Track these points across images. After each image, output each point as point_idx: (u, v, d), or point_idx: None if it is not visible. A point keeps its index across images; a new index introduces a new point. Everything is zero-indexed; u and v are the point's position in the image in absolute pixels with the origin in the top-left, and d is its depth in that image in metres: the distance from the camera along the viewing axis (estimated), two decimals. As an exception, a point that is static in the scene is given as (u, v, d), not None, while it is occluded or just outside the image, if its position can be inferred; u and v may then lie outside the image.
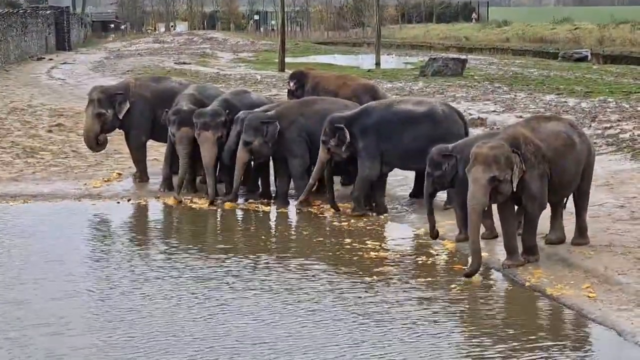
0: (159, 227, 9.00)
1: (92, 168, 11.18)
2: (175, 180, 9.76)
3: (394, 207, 9.26)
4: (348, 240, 8.03)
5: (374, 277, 6.96)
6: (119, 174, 10.73)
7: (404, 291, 6.65)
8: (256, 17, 63.18)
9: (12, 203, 9.59)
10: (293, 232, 8.74)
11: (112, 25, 55.85)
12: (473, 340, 5.71)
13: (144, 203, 9.70)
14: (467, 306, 6.34)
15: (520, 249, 7.05)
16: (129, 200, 9.77)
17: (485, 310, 6.28)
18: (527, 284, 6.69)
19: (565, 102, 15.83)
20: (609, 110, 14.39)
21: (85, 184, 10.33)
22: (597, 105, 15.10)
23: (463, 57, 25.91)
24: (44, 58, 31.20)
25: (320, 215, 9.09)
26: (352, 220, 8.76)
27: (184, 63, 27.72)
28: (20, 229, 8.58)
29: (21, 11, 32.45)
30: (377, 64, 28.14)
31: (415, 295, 6.54)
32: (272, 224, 9.03)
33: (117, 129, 10.61)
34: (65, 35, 37.35)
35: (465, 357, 5.51)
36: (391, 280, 6.90)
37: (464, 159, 7.13)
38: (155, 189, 10.10)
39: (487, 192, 6.71)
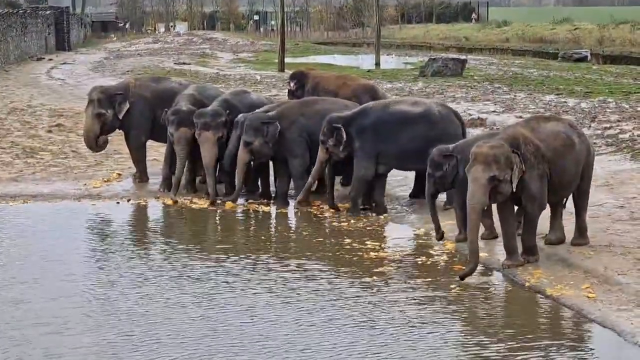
0: (158, 227, 9.00)
1: (92, 168, 11.18)
2: (176, 180, 9.77)
3: (394, 207, 9.26)
4: (348, 241, 8.04)
5: (374, 277, 6.96)
6: (119, 174, 10.73)
7: (404, 291, 6.65)
8: (256, 17, 63.15)
9: (12, 203, 9.59)
10: (293, 233, 8.74)
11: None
12: (473, 341, 5.71)
13: (144, 203, 9.70)
14: (466, 306, 6.33)
15: (520, 249, 7.05)
16: (128, 201, 9.77)
17: (485, 310, 6.28)
18: (527, 284, 6.69)
19: (565, 102, 15.83)
20: (608, 110, 14.40)
21: (85, 184, 10.33)
22: (596, 105, 15.10)
23: (463, 57, 25.90)
24: (43, 58, 31.19)
25: (320, 215, 9.09)
26: (352, 221, 8.77)
27: (184, 63, 27.72)
28: (20, 229, 8.58)
29: (21, 11, 32.44)
30: (377, 64, 28.14)
31: (415, 296, 6.54)
32: (272, 224, 9.03)
33: (117, 129, 10.61)
34: (65, 35, 37.34)
35: (465, 357, 5.51)
36: (391, 281, 6.90)
37: (465, 159, 7.13)
38: (155, 189, 10.10)
39: (486, 192, 6.71)
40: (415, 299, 6.46)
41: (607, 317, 5.93)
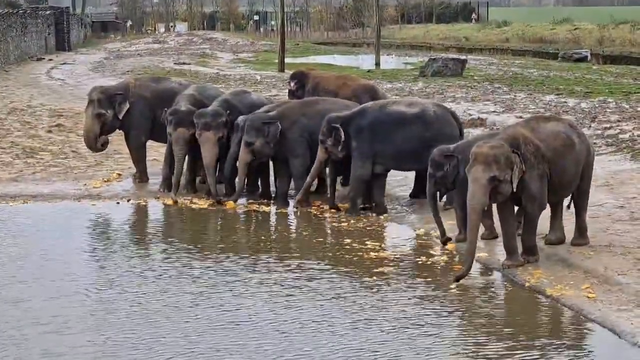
0: (158, 227, 9.00)
1: (92, 168, 11.18)
2: (176, 181, 9.78)
3: (394, 207, 9.26)
4: (348, 241, 8.04)
5: (374, 277, 6.96)
6: (119, 175, 10.74)
7: (403, 291, 6.65)
8: (256, 17, 63.15)
9: (12, 203, 9.59)
10: (293, 233, 8.74)
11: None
12: (472, 341, 5.71)
13: (144, 203, 9.70)
14: (467, 307, 6.33)
15: (519, 249, 7.05)
16: (128, 201, 9.77)
17: (485, 310, 6.28)
18: (527, 284, 6.68)
19: (565, 102, 15.83)
20: (608, 110, 14.39)
21: (85, 184, 10.33)
22: (596, 105, 15.10)
23: (463, 57, 25.89)
24: (43, 58, 31.20)
25: (320, 215, 9.09)
26: (352, 221, 8.77)
27: (184, 63, 27.72)
28: (20, 229, 8.58)
29: (21, 11, 32.44)
30: (377, 64, 28.13)
31: (415, 296, 6.54)
32: (272, 224, 9.03)
33: (117, 129, 10.61)
34: (65, 35, 37.35)
35: (465, 357, 5.51)
36: (391, 281, 6.90)
37: (466, 160, 7.13)
38: (155, 190, 10.10)
39: (487, 192, 6.70)
40: (415, 299, 6.46)
41: (607, 317, 5.92)
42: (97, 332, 5.85)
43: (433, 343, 5.66)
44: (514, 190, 6.78)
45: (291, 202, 9.40)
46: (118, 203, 9.70)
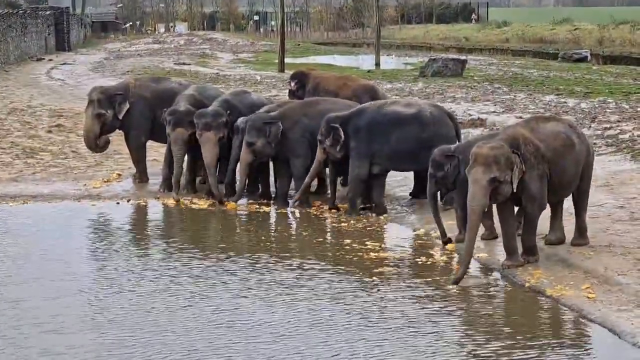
0: (158, 227, 9.00)
1: (92, 169, 11.18)
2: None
3: (394, 207, 9.26)
4: (348, 241, 8.03)
5: (374, 277, 6.96)
6: (119, 175, 10.74)
7: (403, 291, 6.65)
8: (256, 17, 63.16)
9: (12, 203, 9.59)
10: (293, 233, 8.74)
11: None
12: (472, 341, 5.71)
13: (144, 204, 9.71)
14: (466, 307, 6.33)
15: (519, 250, 7.05)
16: (128, 201, 9.77)
17: (484, 311, 6.28)
18: (527, 284, 6.68)
19: (565, 102, 15.82)
20: (608, 110, 14.39)
21: (85, 184, 10.33)
22: (596, 105, 15.10)
23: (463, 57, 25.89)
24: (43, 59, 31.20)
25: (320, 216, 9.09)
26: (352, 221, 8.77)
27: (184, 64, 27.72)
28: (20, 229, 8.58)
29: (21, 12, 32.45)
30: (377, 64, 28.13)
31: (414, 296, 6.54)
32: (272, 224, 9.03)
33: (117, 130, 10.61)
34: (65, 35, 37.35)
35: (464, 357, 5.51)
36: (390, 281, 6.90)
37: (466, 160, 7.13)
38: (155, 190, 10.11)
39: (487, 193, 6.70)
40: (414, 299, 6.46)
41: (607, 317, 5.92)
42: (96, 331, 5.85)
43: (432, 343, 5.66)
44: (514, 190, 6.78)
45: (291, 203, 9.39)
46: (118, 203, 9.70)
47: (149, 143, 10.62)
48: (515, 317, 6.18)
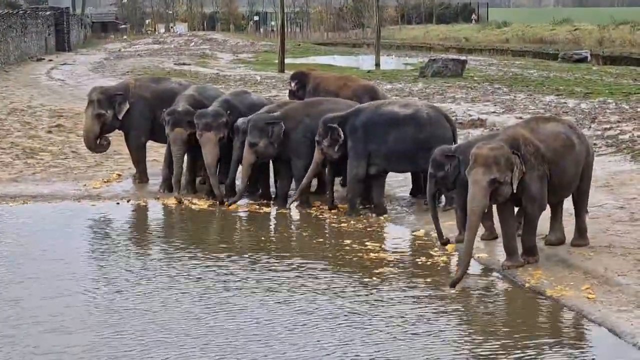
0: (158, 227, 9.00)
1: (92, 169, 11.18)
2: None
3: (394, 208, 9.26)
4: (348, 242, 8.03)
5: (373, 277, 6.96)
6: (119, 175, 10.74)
7: (402, 291, 6.65)
8: (256, 18, 63.17)
9: (12, 204, 9.59)
10: (293, 233, 8.74)
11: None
12: (472, 341, 5.71)
13: (144, 204, 9.71)
14: (466, 308, 6.33)
15: (519, 250, 7.05)
16: (128, 201, 9.77)
17: (484, 311, 6.28)
18: (527, 285, 6.68)
19: (565, 103, 15.82)
20: (608, 111, 14.39)
21: (85, 184, 10.33)
22: (596, 106, 15.10)
23: (463, 58, 25.91)
24: (43, 59, 31.20)
25: (320, 216, 9.09)
26: (352, 222, 8.77)
27: (184, 64, 27.73)
28: (20, 229, 8.58)
29: (21, 12, 32.45)
30: (377, 64, 28.13)
31: (414, 296, 6.54)
32: (272, 225, 9.03)
33: (117, 130, 10.61)
34: (65, 36, 37.36)
35: (464, 357, 5.51)
36: (390, 281, 6.90)
37: (467, 160, 7.13)
38: (155, 190, 10.11)
39: (487, 194, 6.70)
40: (415, 300, 6.46)
41: (607, 318, 5.92)
42: (95, 331, 5.86)
43: (432, 343, 5.66)
44: (514, 191, 6.78)
45: (288, 204, 9.38)
46: (118, 203, 9.70)
47: (149, 143, 10.62)
48: (515, 317, 6.17)
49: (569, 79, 21.26)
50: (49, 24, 35.81)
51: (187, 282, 6.91)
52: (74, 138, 13.08)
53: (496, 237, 7.60)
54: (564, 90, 18.08)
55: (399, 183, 9.94)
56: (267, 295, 6.57)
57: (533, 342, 5.66)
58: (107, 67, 27.09)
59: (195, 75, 23.24)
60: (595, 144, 11.06)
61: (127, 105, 10.29)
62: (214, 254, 7.68)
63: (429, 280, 6.92)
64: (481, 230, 7.37)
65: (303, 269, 7.24)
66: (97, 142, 10.48)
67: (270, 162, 9.60)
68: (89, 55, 34.00)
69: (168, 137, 9.72)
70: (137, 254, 7.77)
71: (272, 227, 8.95)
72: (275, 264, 7.39)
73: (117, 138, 11.29)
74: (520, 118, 12.89)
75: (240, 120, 9.38)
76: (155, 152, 11.08)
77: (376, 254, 7.62)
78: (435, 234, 7.83)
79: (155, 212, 9.49)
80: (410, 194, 9.62)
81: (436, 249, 7.77)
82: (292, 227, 8.97)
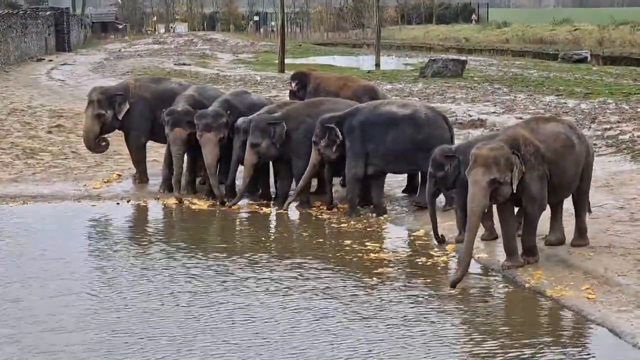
0: (158, 228, 9.00)
1: (92, 169, 11.18)
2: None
3: (394, 208, 9.26)
4: (348, 242, 8.03)
5: (373, 278, 6.96)
6: (119, 175, 10.74)
7: (402, 291, 6.65)
8: (256, 18, 63.22)
9: (12, 204, 9.59)
10: (293, 234, 8.74)
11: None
12: (472, 342, 5.71)
13: (144, 204, 9.71)
14: (466, 308, 6.33)
15: (519, 250, 7.05)
16: (128, 202, 9.77)
17: (484, 311, 6.28)
18: (527, 285, 6.68)
19: (565, 103, 15.82)
20: (608, 111, 14.39)
21: (85, 185, 10.33)
22: (596, 106, 15.10)
23: (463, 58, 25.93)
24: (43, 59, 31.20)
25: (320, 216, 9.09)
26: (352, 222, 8.77)
27: (184, 64, 27.74)
28: (20, 229, 8.58)
29: (21, 12, 32.46)
30: (377, 65, 28.14)
31: (414, 296, 6.54)
32: (272, 225, 9.03)
33: (117, 130, 10.61)
34: (65, 36, 37.37)
35: (463, 357, 5.51)
36: (390, 281, 6.90)
37: (467, 161, 7.13)
38: (155, 190, 10.11)
39: (487, 195, 6.70)
40: (415, 300, 6.46)
41: (607, 318, 5.92)
42: (95, 330, 5.86)
43: (432, 344, 5.66)
44: (514, 191, 6.78)
45: (285, 205, 9.37)
46: (118, 204, 9.70)
47: (149, 143, 10.62)
48: (515, 317, 6.18)
49: (569, 79, 21.27)
50: (49, 24, 35.81)
51: (186, 282, 6.90)
52: (74, 138, 13.08)
53: (496, 238, 7.60)
54: (564, 90, 18.08)
55: (399, 183, 9.94)
56: (267, 296, 6.56)
57: (533, 342, 5.66)
58: (107, 67, 27.10)
59: (195, 75, 23.24)
60: (595, 144, 11.06)
61: (127, 106, 10.29)
62: (214, 254, 7.68)
63: (428, 280, 6.92)
64: (481, 230, 7.37)
65: (303, 269, 7.24)
66: (96, 143, 10.48)
67: (270, 162, 9.60)
68: (89, 55, 34.01)
69: (168, 137, 9.72)
70: (137, 254, 7.76)
71: (272, 228, 8.94)
72: (275, 264, 7.38)
73: (117, 138, 11.29)
74: (520, 118, 12.90)
75: (240, 120, 9.37)
76: (155, 153, 11.08)
77: (376, 254, 7.61)
78: (442, 238, 7.82)
79: (156, 212, 9.49)
80: (404, 191, 9.64)
81: (436, 249, 7.78)
82: (292, 227, 8.97)
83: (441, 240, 7.75)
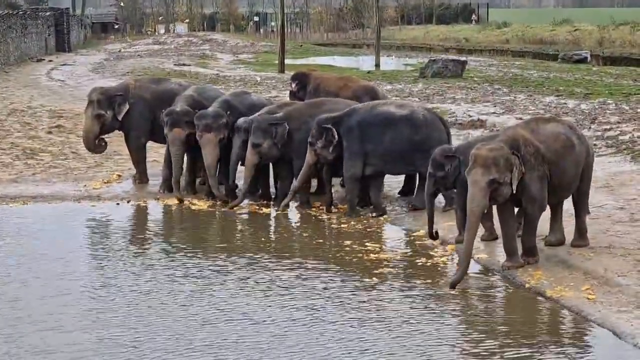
0: (158, 228, 9.00)
1: (92, 169, 11.18)
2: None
3: (394, 209, 9.26)
4: (348, 242, 8.04)
5: (373, 278, 6.96)
6: (119, 176, 10.74)
7: (402, 292, 6.65)
8: (256, 18, 63.19)
9: (12, 204, 9.59)
10: (292, 234, 8.74)
11: (116, 26, 55.96)
12: (472, 342, 5.71)
13: (144, 204, 9.71)
14: (466, 308, 6.33)
15: (519, 251, 7.05)
16: (128, 202, 9.78)
17: (484, 312, 6.28)
18: (527, 285, 6.68)
19: (565, 103, 15.82)
20: (608, 111, 14.39)
21: (85, 185, 10.33)
22: (596, 106, 15.10)
23: (463, 58, 25.93)
24: (43, 59, 31.19)
25: (320, 217, 9.09)
26: (352, 222, 8.77)
27: (184, 64, 27.73)
28: (20, 229, 8.58)
29: (21, 12, 32.46)
30: (377, 65, 28.13)
31: (414, 297, 6.54)
32: (272, 225, 9.03)
33: (117, 130, 10.62)
34: (65, 36, 37.35)
35: (462, 356, 5.51)
36: (390, 282, 6.90)
37: (467, 161, 7.13)
38: (155, 191, 10.11)
39: (486, 195, 6.70)
40: (414, 300, 6.46)
41: (607, 318, 5.93)
42: (94, 330, 5.86)
43: (432, 344, 5.66)
44: (514, 192, 6.78)
45: (292, 204, 9.38)
46: (118, 204, 9.70)
47: (149, 144, 10.63)
48: (515, 318, 6.18)
49: (569, 79, 21.27)
50: (49, 25, 35.80)
51: (186, 281, 6.91)
52: (74, 139, 13.08)
53: (496, 238, 7.60)
54: (564, 90, 18.09)
55: (399, 184, 9.94)
56: (266, 296, 6.56)
57: (533, 343, 5.66)
58: (107, 67, 27.09)
59: (195, 75, 23.24)
60: (595, 145, 11.06)
61: (127, 106, 10.29)
62: (214, 254, 7.68)
63: (428, 280, 6.92)
64: (481, 230, 7.37)
65: (303, 269, 7.24)
66: (96, 143, 10.48)
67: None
68: (89, 55, 34.00)
69: (167, 138, 9.72)
70: (136, 254, 7.77)
71: (272, 228, 8.94)
72: (275, 264, 7.39)
73: (117, 139, 11.29)
74: (520, 119, 12.90)
75: (241, 120, 9.37)
76: (155, 153, 11.09)
77: (376, 255, 7.62)
78: (435, 235, 7.83)
79: (155, 212, 9.49)
80: (400, 193, 9.62)
81: (436, 249, 7.78)
82: (292, 227, 8.97)
83: (435, 237, 7.75)
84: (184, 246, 8.00)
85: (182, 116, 9.58)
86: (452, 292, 6.59)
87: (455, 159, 7.68)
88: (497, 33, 45.09)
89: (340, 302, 6.44)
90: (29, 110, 16.29)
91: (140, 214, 9.51)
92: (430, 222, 7.72)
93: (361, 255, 7.62)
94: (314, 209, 9.30)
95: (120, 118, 10.31)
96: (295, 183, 9.13)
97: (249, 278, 7.00)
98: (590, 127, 12.75)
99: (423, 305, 6.36)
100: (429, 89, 18.98)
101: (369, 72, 25.00)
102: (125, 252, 7.86)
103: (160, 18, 61.60)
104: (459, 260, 6.95)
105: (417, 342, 5.68)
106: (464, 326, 6.04)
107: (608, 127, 12.71)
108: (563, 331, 5.95)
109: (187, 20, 62.12)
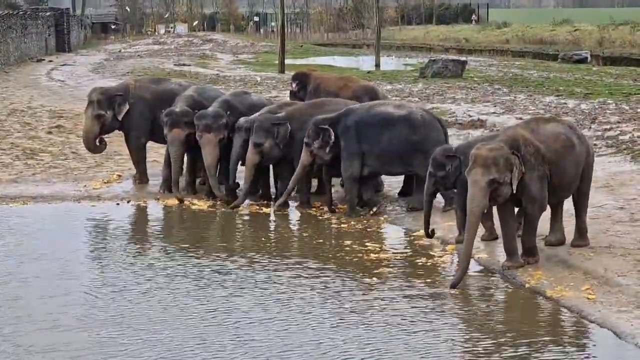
0: (158, 228, 9.00)
1: (92, 169, 11.18)
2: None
3: (394, 209, 9.26)
4: (348, 242, 8.04)
5: (373, 278, 6.96)
6: (119, 176, 10.74)
7: (402, 291, 6.65)
8: (256, 18, 63.15)
9: (12, 204, 9.59)
10: (292, 234, 8.74)
11: (114, 27, 55.97)
12: (471, 342, 5.71)
13: (144, 204, 9.71)
14: (466, 308, 6.34)
15: (520, 251, 7.05)
16: (128, 202, 9.78)
17: (484, 312, 6.28)
18: (527, 285, 6.69)
19: (565, 103, 15.82)
20: (608, 111, 14.39)
21: (85, 185, 10.33)
22: (596, 106, 15.10)
23: (463, 58, 25.92)
24: (43, 60, 31.19)
25: (320, 216, 9.09)
26: (352, 222, 8.77)
27: (184, 64, 27.73)
28: (20, 229, 8.58)
29: (21, 12, 32.46)
30: (377, 65, 28.12)
31: (414, 297, 6.54)
32: (272, 225, 9.03)
33: (117, 131, 10.62)
34: (65, 36, 37.35)
35: (462, 356, 5.51)
36: (390, 281, 6.90)
37: (467, 161, 7.12)
38: (155, 191, 10.11)
39: (486, 195, 6.70)
40: (414, 300, 6.46)
41: (607, 318, 5.92)
42: (93, 330, 5.86)
43: (432, 344, 5.66)
44: (514, 191, 6.78)
45: (292, 204, 9.38)
46: (118, 204, 9.70)
47: (149, 144, 10.63)
48: (515, 317, 6.18)
49: (569, 79, 21.27)
50: (49, 25, 35.80)
51: (186, 281, 6.91)
52: (74, 139, 13.08)
53: (496, 238, 7.60)
54: (564, 90, 18.08)
55: (399, 184, 9.94)
56: (266, 296, 6.57)
57: (533, 343, 5.66)
58: (107, 67, 27.09)
59: (195, 76, 23.24)
60: (595, 145, 11.06)
61: (127, 106, 10.29)
62: (214, 254, 7.68)
63: (428, 280, 6.92)
64: (481, 230, 7.37)
65: (303, 269, 7.24)
66: (96, 143, 10.48)
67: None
68: (89, 56, 34.00)
69: (166, 138, 9.72)
70: (136, 254, 7.77)
71: (272, 228, 8.94)
72: (275, 264, 7.39)
73: (117, 139, 11.29)
74: (520, 119, 12.89)
75: (242, 119, 9.36)
76: (155, 153, 11.09)
77: (376, 255, 7.62)
78: (435, 235, 7.83)
79: (156, 212, 9.49)
80: (400, 193, 9.62)
81: (436, 249, 7.78)
82: (292, 227, 8.97)
83: (430, 236, 7.75)
84: (184, 246, 8.00)
85: (181, 117, 9.58)
86: (452, 291, 6.59)
87: (456, 158, 7.68)
88: (497, 33, 45.08)
89: (340, 302, 6.44)
90: (29, 110, 16.30)
91: (141, 214, 9.51)
92: (427, 221, 7.72)
93: (361, 255, 7.63)
94: (314, 209, 9.30)
95: (120, 118, 10.31)
96: (289, 183, 9.12)
97: (249, 278, 7.00)
98: (590, 127, 12.75)
99: (423, 305, 6.36)
100: (429, 89, 18.97)
101: (369, 72, 24.99)
102: (125, 252, 7.86)
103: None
104: (459, 260, 6.96)
105: (417, 341, 5.68)
106: (464, 326, 6.04)
107: (608, 127, 12.71)
108: (563, 331, 5.95)
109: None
